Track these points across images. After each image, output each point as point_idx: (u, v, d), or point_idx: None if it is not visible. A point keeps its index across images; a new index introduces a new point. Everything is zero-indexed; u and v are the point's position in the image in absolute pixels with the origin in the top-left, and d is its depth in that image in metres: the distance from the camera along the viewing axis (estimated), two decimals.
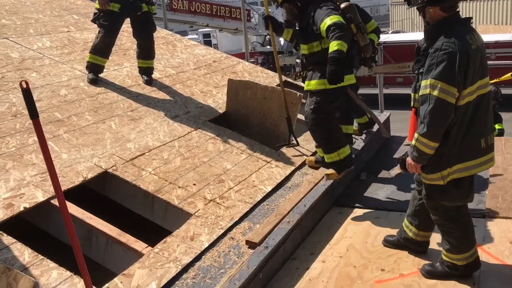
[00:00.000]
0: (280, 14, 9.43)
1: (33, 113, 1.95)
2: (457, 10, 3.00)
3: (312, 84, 4.32)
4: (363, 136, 5.71)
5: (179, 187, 4.00)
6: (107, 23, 5.37)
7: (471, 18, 3.12)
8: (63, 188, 3.51)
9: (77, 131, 4.45)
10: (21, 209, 3.34)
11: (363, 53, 4.61)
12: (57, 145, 4.15)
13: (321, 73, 4.22)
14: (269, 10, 5.06)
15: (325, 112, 4.32)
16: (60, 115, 4.62)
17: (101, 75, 5.54)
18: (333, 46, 3.94)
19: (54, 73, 5.40)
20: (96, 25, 5.52)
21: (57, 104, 4.78)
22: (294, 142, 5.14)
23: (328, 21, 4.00)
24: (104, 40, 5.41)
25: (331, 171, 4.44)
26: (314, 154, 4.66)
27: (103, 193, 4.09)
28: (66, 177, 3.78)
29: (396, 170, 3.31)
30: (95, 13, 5.47)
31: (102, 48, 5.42)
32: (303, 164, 4.79)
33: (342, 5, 4.37)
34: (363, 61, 4.72)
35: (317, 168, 4.62)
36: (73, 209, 3.47)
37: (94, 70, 5.43)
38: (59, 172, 3.79)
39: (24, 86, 1.90)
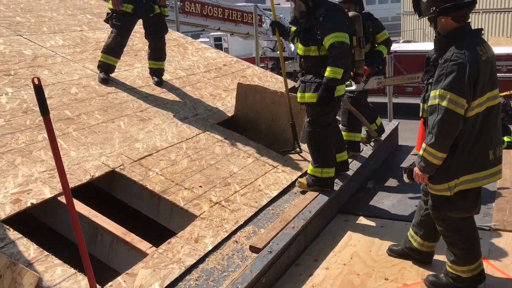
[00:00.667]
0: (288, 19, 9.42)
1: (44, 110, 1.97)
2: (468, 21, 2.99)
3: (306, 96, 4.25)
4: (371, 143, 5.71)
5: (185, 189, 4.01)
6: (120, 24, 5.41)
7: (482, 29, 3.11)
8: (71, 185, 3.53)
9: (86, 129, 4.48)
10: (28, 204, 3.37)
11: (356, 68, 4.53)
12: (66, 143, 4.18)
13: (316, 84, 4.16)
14: (277, 15, 5.07)
15: (322, 124, 4.28)
16: (70, 113, 4.66)
17: (112, 75, 5.57)
18: (329, 72, 4.02)
19: (66, 71, 5.45)
20: (108, 25, 5.57)
21: (67, 102, 4.82)
22: (298, 149, 5.09)
23: (334, 38, 3.98)
24: (116, 40, 5.45)
25: (304, 180, 4.41)
26: (304, 174, 4.54)
27: (110, 192, 4.12)
28: (74, 174, 3.81)
29: (405, 179, 3.30)
30: (108, 13, 5.51)
31: (114, 48, 5.46)
32: None
33: (350, 14, 4.37)
34: (353, 76, 4.58)
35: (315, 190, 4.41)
36: (80, 206, 3.49)
37: (106, 69, 5.48)
38: (67, 169, 3.81)
39: (36, 82, 1.92)
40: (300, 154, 5.04)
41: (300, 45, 4.29)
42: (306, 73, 4.28)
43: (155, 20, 5.56)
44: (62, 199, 3.47)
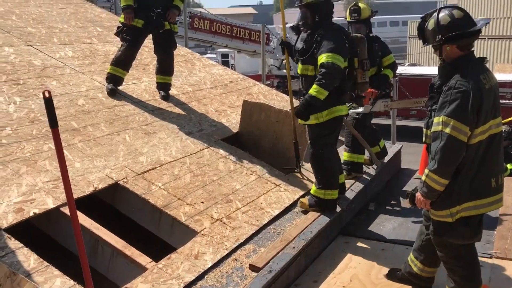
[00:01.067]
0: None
1: (53, 123, 2.00)
2: (472, 49, 3.03)
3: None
4: (374, 166, 5.71)
5: (187, 204, 4.02)
6: (130, 38, 5.49)
7: (486, 58, 3.15)
8: (74, 196, 3.56)
9: (91, 141, 4.51)
10: (31, 214, 3.39)
11: (358, 90, 4.45)
12: (71, 154, 4.21)
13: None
14: (287, 35, 5.12)
15: (324, 145, 4.29)
16: (76, 124, 4.70)
17: (119, 88, 5.63)
18: (313, 89, 4.06)
19: (74, 83, 5.51)
20: (118, 38, 5.65)
21: (74, 113, 4.86)
22: (299, 169, 5.05)
23: (325, 58, 4.01)
24: (125, 53, 5.54)
25: (305, 200, 4.40)
26: (306, 194, 4.51)
27: (113, 204, 4.13)
28: (77, 186, 3.83)
29: (406, 204, 3.31)
30: (118, 27, 5.60)
31: (123, 61, 5.54)
32: None
33: (354, 36, 4.40)
34: (355, 98, 4.55)
35: (311, 211, 4.39)
36: (82, 218, 3.50)
37: (114, 81, 5.55)
38: (70, 180, 3.83)
39: (47, 95, 1.96)
40: (302, 173, 5.04)
41: (299, 64, 4.35)
42: (306, 93, 4.32)
43: (165, 36, 5.64)
44: (65, 210, 3.49)
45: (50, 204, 3.53)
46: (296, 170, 5.03)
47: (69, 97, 5.16)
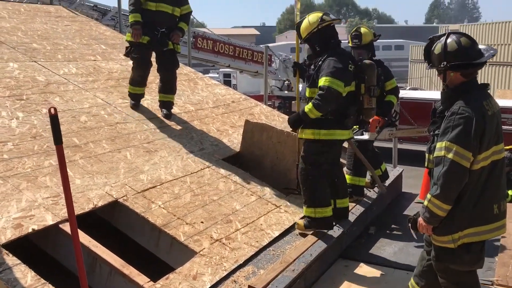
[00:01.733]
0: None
1: (58, 139, 2.00)
2: (475, 75, 3.05)
3: (303, 132, 4.34)
4: (375, 189, 5.69)
5: (187, 224, 4.00)
6: (139, 56, 5.65)
7: (488, 84, 3.16)
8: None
9: (92, 158, 4.51)
10: (30, 230, 3.36)
11: (363, 115, 4.47)
12: (71, 170, 4.20)
13: (313, 122, 4.23)
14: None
15: (313, 163, 4.27)
16: (78, 140, 4.70)
17: (121, 105, 5.69)
18: (308, 107, 4.15)
19: (77, 99, 5.53)
20: (129, 58, 5.81)
21: (76, 130, 4.87)
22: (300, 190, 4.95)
23: (323, 82, 4.07)
24: (139, 73, 5.77)
25: (301, 222, 4.37)
26: (303, 217, 4.43)
27: (111, 222, 4.10)
28: (77, 202, 3.80)
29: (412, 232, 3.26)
30: (127, 47, 5.73)
31: (138, 80, 5.82)
32: None
33: (364, 62, 4.43)
34: (359, 122, 4.53)
35: (304, 235, 4.33)
36: (80, 235, 3.46)
37: (135, 98, 5.87)
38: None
39: (53, 112, 1.96)
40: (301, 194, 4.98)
41: (307, 87, 4.41)
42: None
43: (168, 55, 5.72)
44: (64, 226, 3.46)
45: (49, 220, 3.51)
46: (297, 192, 5.00)
47: (71, 113, 5.17)
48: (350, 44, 5.43)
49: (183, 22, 5.80)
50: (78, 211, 3.70)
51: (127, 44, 5.71)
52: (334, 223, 4.41)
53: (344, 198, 4.63)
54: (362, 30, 5.36)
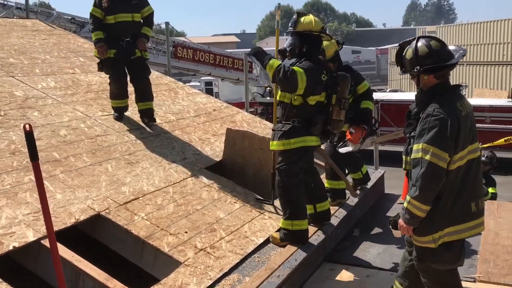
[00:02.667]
0: None
1: (34, 156, 1.99)
2: (448, 76, 3.11)
3: (274, 144, 4.33)
4: (357, 191, 5.73)
5: (171, 234, 3.98)
6: (111, 71, 5.69)
7: (461, 85, 3.23)
8: (55, 229, 3.50)
9: (73, 172, 4.48)
10: (10, 248, 3.32)
11: (331, 126, 4.35)
12: (52, 185, 4.17)
13: (281, 132, 4.23)
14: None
15: (289, 174, 4.22)
16: (58, 155, 4.66)
17: (101, 118, 5.69)
18: (272, 63, 4.10)
19: (56, 113, 5.49)
20: (103, 72, 5.81)
21: (56, 144, 4.83)
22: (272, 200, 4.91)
23: (294, 68, 4.07)
24: (116, 86, 5.76)
25: (277, 235, 4.28)
26: (278, 230, 4.36)
27: (94, 236, 4.07)
28: (59, 217, 3.77)
29: (395, 233, 3.30)
30: (98, 63, 5.75)
31: (117, 93, 5.80)
32: None
33: (339, 73, 4.44)
34: (325, 132, 4.42)
35: (283, 247, 4.23)
36: (63, 250, 3.44)
37: (118, 110, 5.86)
38: (52, 212, 3.77)
39: (28, 129, 1.95)
40: (275, 206, 4.84)
41: (279, 91, 4.39)
42: (280, 121, 4.36)
43: (137, 63, 5.76)
44: (45, 242, 3.43)
45: (31, 237, 3.47)
46: (269, 202, 4.91)
47: (51, 127, 5.13)
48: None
49: (146, 27, 5.81)
50: (59, 226, 3.67)
51: (98, 60, 5.72)
52: (317, 228, 4.41)
53: (324, 202, 4.65)
54: (324, 44, 5.02)
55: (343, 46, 5.32)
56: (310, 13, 4.46)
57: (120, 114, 5.86)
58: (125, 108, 5.92)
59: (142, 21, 5.78)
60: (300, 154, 4.25)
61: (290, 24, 4.36)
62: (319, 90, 4.24)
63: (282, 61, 4.52)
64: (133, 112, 6.07)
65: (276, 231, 4.37)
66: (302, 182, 4.35)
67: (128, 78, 5.85)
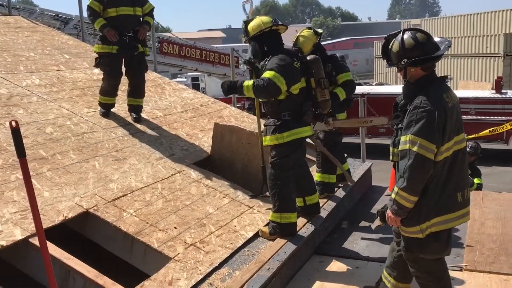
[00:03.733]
0: None
1: (21, 153, 1.98)
2: (434, 68, 3.14)
3: (267, 140, 4.35)
4: (339, 184, 5.70)
5: (160, 230, 3.98)
6: (109, 66, 5.62)
7: (447, 77, 3.27)
8: (43, 227, 3.48)
9: (60, 169, 4.44)
10: None
11: (320, 108, 4.44)
12: (39, 183, 4.13)
13: (274, 127, 4.26)
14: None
15: (282, 167, 4.25)
16: (44, 153, 4.62)
17: (88, 115, 5.64)
18: (247, 83, 4.20)
19: (41, 111, 5.43)
20: (99, 69, 5.77)
21: (42, 142, 4.79)
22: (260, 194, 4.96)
23: (265, 74, 4.12)
24: (110, 83, 5.72)
25: (266, 229, 4.31)
26: (267, 224, 4.39)
27: (83, 233, 4.05)
28: (47, 215, 3.75)
29: (377, 222, 3.36)
30: (96, 58, 5.69)
31: (110, 90, 5.76)
32: None
33: (308, 58, 4.48)
34: (319, 116, 4.54)
35: (273, 240, 4.26)
36: (52, 248, 3.42)
37: (106, 107, 5.81)
38: (40, 210, 3.75)
39: (14, 125, 1.94)
40: (263, 199, 4.88)
41: None
42: (269, 117, 4.39)
43: (138, 59, 5.74)
44: (34, 240, 3.40)
45: (18, 235, 3.45)
46: (257, 196, 4.91)
47: (36, 125, 5.08)
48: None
49: (148, 16, 5.80)
50: (47, 224, 3.65)
51: (94, 55, 5.67)
52: (306, 221, 4.44)
53: (313, 195, 4.68)
54: (300, 40, 5.15)
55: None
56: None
57: (107, 110, 5.81)
58: (113, 105, 5.89)
59: (142, 15, 5.77)
60: (294, 147, 4.29)
61: (243, 34, 4.50)
62: (298, 77, 4.28)
63: (252, 71, 4.58)
64: (120, 108, 6.03)
65: (265, 225, 4.40)
66: (294, 175, 4.38)
67: (124, 72, 5.82)
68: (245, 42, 4.64)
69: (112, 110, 5.96)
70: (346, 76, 5.23)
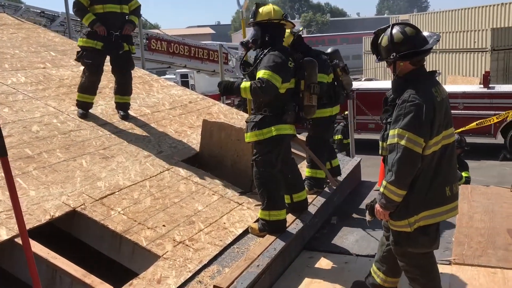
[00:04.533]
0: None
1: (2, 152, 1.94)
2: (423, 63, 3.15)
3: (248, 136, 4.31)
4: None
5: (148, 228, 3.95)
6: (91, 61, 5.52)
7: (436, 71, 3.27)
8: (29, 226, 3.44)
9: (47, 168, 4.39)
10: None
11: (303, 112, 4.39)
12: (25, 182, 4.08)
13: (254, 123, 4.23)
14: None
15: (265, 164, 4.21)
16: (30, 151, 4.56)
17: (73, 113, 5.57)
18: (245, 84, 4.15)
19: (27, 109, 5.37)
20: (80, 63, 5.67)
21: (28, 140, 4.73)
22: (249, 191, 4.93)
23: (261, 74, 4.08)
24: (90, 79, 5.60)
25: (255, 225, 4.30)
26: (257, 220, 4.38)
27: (70, 232, 4.01)
28: (33, 214, 3.70)
29: (367, 217, 3.36)
30: (78, 52, 5.58)
31: (89, 87, 5.62)
32: None
33: (306, 58, 4.44)
34: (301, 120, 4.45)
35: (262, 237, 4.24)
36: (38, 248, 3.38)
37: (83, 107, 5.63)
38: (26, 209, 3.71)
39: None
40: (252, 195, 4.86)
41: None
42: (256, 110, 4.35)
43: (124, 57, 5.67)
44: (19, 240, 3.35)
45: (4, 235, 3.40)
46: (247, 192, 4.89)
47: (22, 123, 5.01)
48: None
49: (133, 15, 5.75)
50: (34, 223, 3.61)
51: (78, 49, 5.59)
52: (295, 217, 4.42)
53: (301, 192, 4.66)
54: None
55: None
56: (279, 5, 4.47)
57: (85, 111, 5.61)
58: (91, 105, 5.71)
59: (128, 14, 5.72)
60: (275, 143, 4.23)
61: (250, 15, 4.38)
62: (288, 77, 4.25)
63: (246, 53, 4.51)
64: (107, 106, 5.98)
65: (255, 222, 4.38)
66: (280, 172, 4.36)
67: (110, 70, 5.74)
68: (249, 24, 4.52)
69: (100, 107, 5.90)
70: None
